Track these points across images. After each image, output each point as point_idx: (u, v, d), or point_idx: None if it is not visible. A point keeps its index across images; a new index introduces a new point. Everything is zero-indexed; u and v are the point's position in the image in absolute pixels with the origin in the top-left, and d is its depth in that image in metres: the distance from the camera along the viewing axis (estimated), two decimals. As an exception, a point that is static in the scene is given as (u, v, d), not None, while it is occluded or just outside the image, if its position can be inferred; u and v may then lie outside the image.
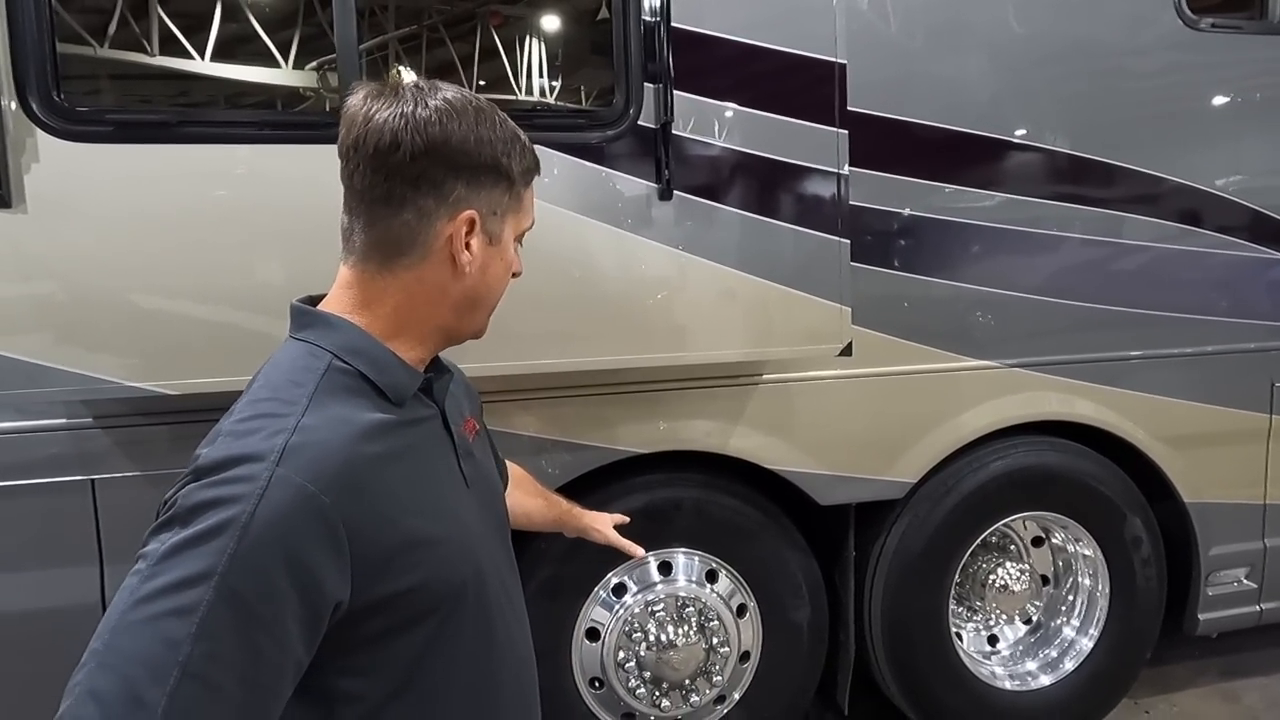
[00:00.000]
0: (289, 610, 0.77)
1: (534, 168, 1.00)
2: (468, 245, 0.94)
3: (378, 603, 0.85)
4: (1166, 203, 2.45)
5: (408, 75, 0.96)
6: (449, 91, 0.92)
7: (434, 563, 0.90)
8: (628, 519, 1.67)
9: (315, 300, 0.98)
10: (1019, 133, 2.32)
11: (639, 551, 1.60)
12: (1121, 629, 2.63)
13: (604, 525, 1.61)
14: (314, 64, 3.25)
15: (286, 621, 0.77)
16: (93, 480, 1.89)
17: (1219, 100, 2.49)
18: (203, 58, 3.07)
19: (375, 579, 0.84)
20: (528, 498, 1.51)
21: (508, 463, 1.46)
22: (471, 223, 0.93)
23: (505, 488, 1.40)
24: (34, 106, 1.60)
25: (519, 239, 1.02)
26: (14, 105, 1.59)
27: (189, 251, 1.69)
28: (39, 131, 1.60)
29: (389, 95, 0.90)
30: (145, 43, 3.06)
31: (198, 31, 3.06)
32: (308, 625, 0.79)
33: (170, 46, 3.09)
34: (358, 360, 0.92)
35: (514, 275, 1.02)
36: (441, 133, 0.90)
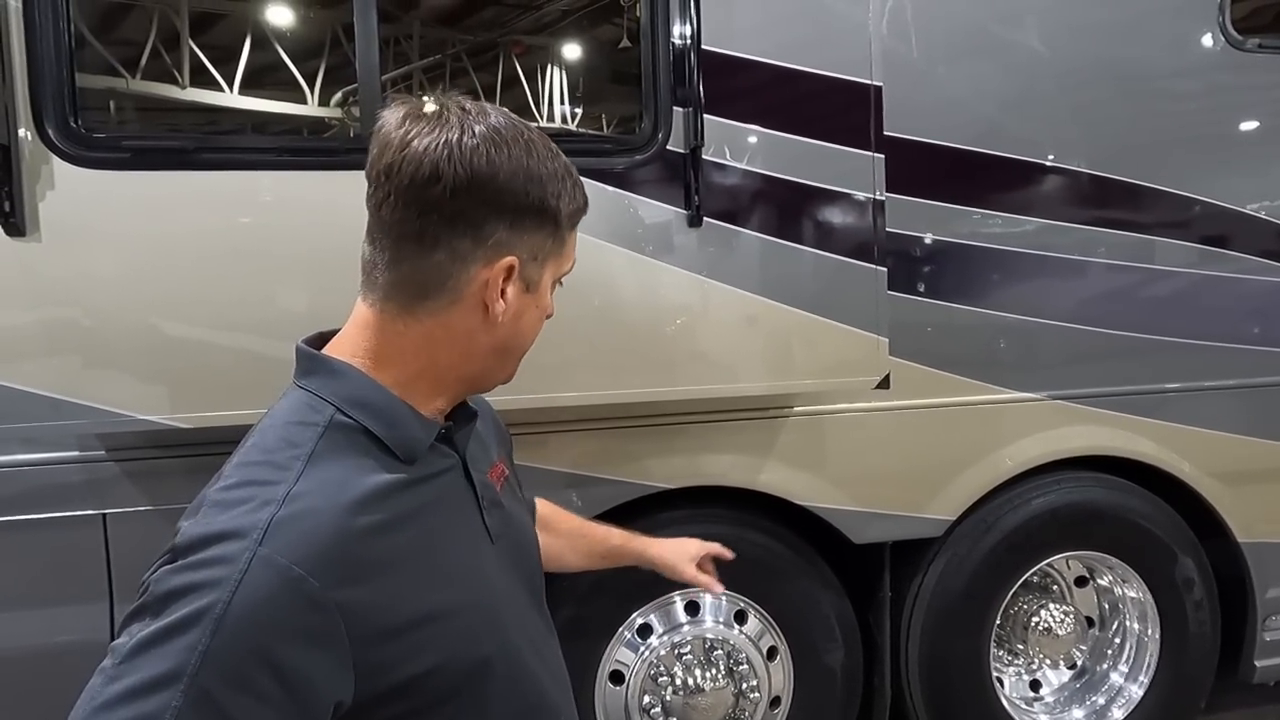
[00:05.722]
0: (274, 712, 0.68)
1: (583, 208, 0.90)
2: (503, 293, 0.84)
3: (387, 691, 0.76)
4: (1216, 228, 2.36)
5: (452, 97, 0.84)
6: (497, 117, 0.82)
7: (452, 637, 0.81)
8: (729, 554, 1.46)
9: (326, 337, 0.89)
10: (1061, 158, 2.24)
11: (717, 588, 1.42)
12: (1173, 675, 2.50)
13: (682, 564, 1.40)
14: (339, 94, 3.25)
15: None
16: (104, 514, 1.84)
17: (1267, 121, 2.40)
18: (231, 89, 3.07)
19: (382, 667, 0.75)
20: (557, 539, 1.36)
21: (536, 499, 1.34)
22: (510, 269, 0.83)
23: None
24: (50, 133, 1.57)
25: (558, 282, 0.93)
26: (30, 131, 1.56)
27: (205, 281, 1.65)
28: (55, 158, 1.57)
29: (431, 119, 0.80)
30: (177, 74, 3.07)
31: (224, 63, 3.07)
32: None
33: (198, 77, 3.09)
34: (363, 414, 0.82)
35: (546, 317, 0.94)
36: (488, 167, 0.79)
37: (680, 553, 1.43)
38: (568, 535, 1.38)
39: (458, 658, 0.81)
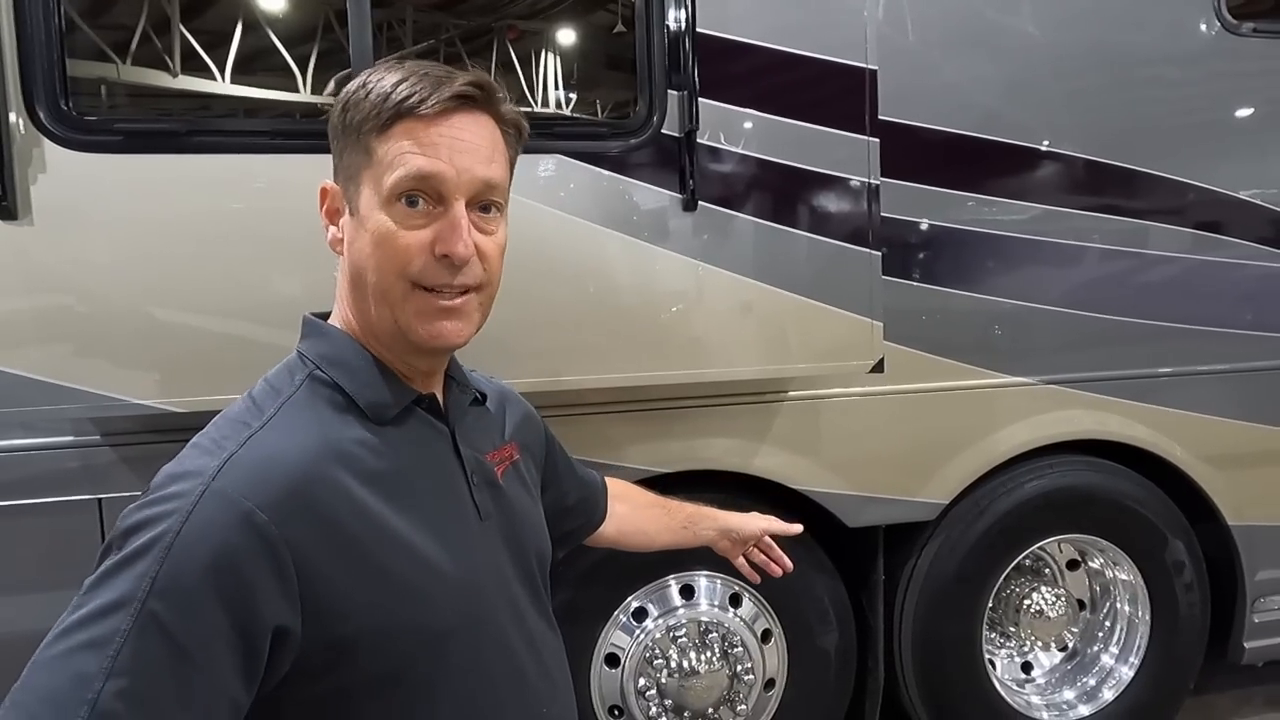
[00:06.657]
0: (220, 639, 0.70)
1: (377, 114, 0.81)
2: (333, 221, 0.89)
3: (341, 646, 0.76)
4: (1210, 214, 2.37)
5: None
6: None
7: (412, 599, 0.81)
8: (798, 528, 1.47)
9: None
10: (1056, 143, 2.24)
11: (796, 528, 1.44)
12: (1163, 657, 2.52)
13: (755, 520, 1.42)
14: (332, 80, 3.22)
15: (218, 652, 0.70)
16: (100, 499, 1.84)
17: (1262, 106, 2.40)
18: (222, 74, 3.04)
19: (334, 614, 0.76)
20: (639, 510, 1.35)
21: (607, 478, 1.34)
22: (324, 194, 0.89)
23: (601, 507, 1.28)
24: (41, 116, 1.55)
25: (405, 200, 0.81)
26: (21, 115, 1.55)
27: (198, 265, 1.64)
28: (46, 141, 1.56)
29: None
30: (168, 59, 3.04)
31: (216, 48, 3.04)
32: (244, 655, 0.71)
33: (189, 63, 3.07)
34: (337, 372, 0.85)
35: (441, 256, 0.81)
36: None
37: (752, 515, 1.45)
38: (647, 508, 1.38)
39: (415, 622, 0.81)
